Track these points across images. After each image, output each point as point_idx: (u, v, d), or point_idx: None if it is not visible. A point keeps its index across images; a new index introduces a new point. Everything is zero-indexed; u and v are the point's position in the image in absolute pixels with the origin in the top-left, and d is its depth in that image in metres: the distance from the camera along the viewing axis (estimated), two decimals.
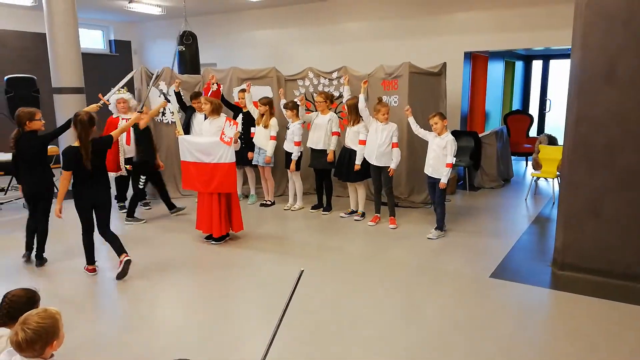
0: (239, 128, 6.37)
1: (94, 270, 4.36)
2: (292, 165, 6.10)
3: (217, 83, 6.50)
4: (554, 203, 6.64)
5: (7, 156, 6.73)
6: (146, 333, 3.33)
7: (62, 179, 4.05)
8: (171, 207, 6.16)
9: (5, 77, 7.49)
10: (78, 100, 7.23)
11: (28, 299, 2.46)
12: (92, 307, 3.77)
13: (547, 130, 10.48)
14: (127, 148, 6.10)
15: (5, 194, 7.02)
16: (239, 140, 5.06)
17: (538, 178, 7.35)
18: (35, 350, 2.07)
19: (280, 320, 2.13)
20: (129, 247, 4.37)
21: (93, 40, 11.31)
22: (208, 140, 4.98)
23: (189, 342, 3.17)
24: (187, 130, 6.19)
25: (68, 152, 4.02)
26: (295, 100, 6.33)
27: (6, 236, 5.47)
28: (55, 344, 2.16)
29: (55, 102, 7.18)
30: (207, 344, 3.16)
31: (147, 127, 5.83)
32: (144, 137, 5.86)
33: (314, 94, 6.93)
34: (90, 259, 4.36)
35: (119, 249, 4.25)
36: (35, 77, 7.71)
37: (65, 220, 4.32)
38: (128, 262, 4.18)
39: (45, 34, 7.10)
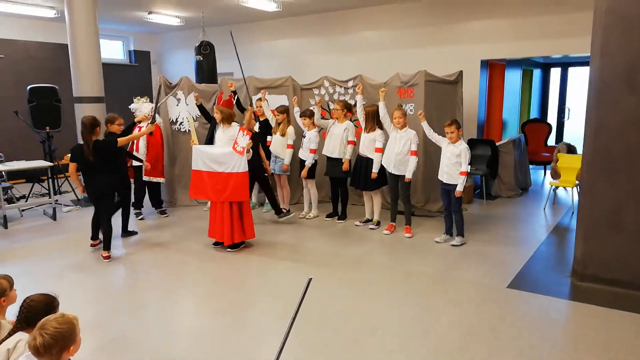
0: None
1: (108, 257, 4.95)
2: (305, 171, 6.11)
3: (230, 94, 6.54)
4: (573, 212, 6.52)
5: (29, 164, 6.87)
6: (161, 339, 3.35)
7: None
8: (279, 212, 6.13)
9: (28, 87, 7.69)
10: (98, 109, 7.37)
11: (46, 304, 2.49)
12: (109, 312, 3.81)
13: (566, 139, 10.33)
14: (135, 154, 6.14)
15: (26, 201, 7.16)
16: (251, 150, 5.08)
17: (557, 187, 7.24)
18: (52, 355, 2.10)
19: (290, 327, 2.11)
20: (145, 252, 4.42)
21: (113, 50, 11.54)
22: (221, 151, 5.03)
23: (203, 349, 3.18)
24: (211, 139, 6.20)
25: (74, 148, 4.88)
26: (311, 107, 6.36)
27: (28, 243, 5.57)
28: (72, 349, 2.19)
29: (77, 111, 7.33)
30: (221, 351, 3.17)
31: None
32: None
33: (330, 103, 6.96)
34: (107, 244, 4.98)
35: (107, 243, 4.94)
36: (57, 87, 7.89)
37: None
38: (106, 258, 4.90)
39: (67, 44, 7.28)
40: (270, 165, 6.43)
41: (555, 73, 11.43)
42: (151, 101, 6.49)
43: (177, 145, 7.10)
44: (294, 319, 2.12)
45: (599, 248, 4.11)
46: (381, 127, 5.67)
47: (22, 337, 2.44)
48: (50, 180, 6.99)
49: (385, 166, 5.63)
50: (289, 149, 6.24)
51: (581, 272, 4.20)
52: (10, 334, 2.50)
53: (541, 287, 4.14)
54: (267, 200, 6.90)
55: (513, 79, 9.51)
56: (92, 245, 5.27)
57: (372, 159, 5.62)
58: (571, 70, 11.18)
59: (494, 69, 8.65)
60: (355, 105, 6.03)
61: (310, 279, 2.16)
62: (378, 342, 3.25)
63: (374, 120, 5.65)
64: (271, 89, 6.96)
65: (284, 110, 6.22)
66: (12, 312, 2.84)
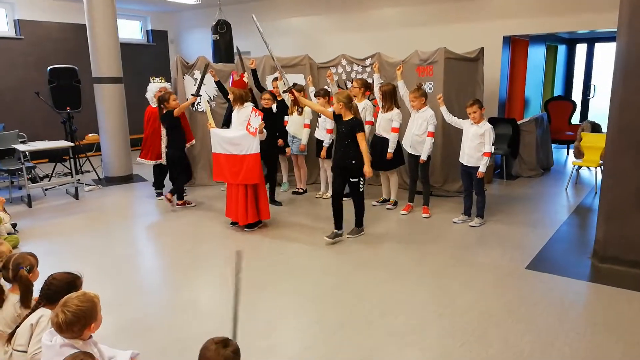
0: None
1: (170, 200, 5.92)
2: (323, 152, 6.08)
3: (241, 73, 6.47)
4: (596, 193, 6.38)
5: (51, 144, 7.00)
6: (181, 319, 3.42)
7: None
8: (272, 200, 6.09)
9: (48, 68, 7.77)
10: (117, 90, 7.45)
11: (68, 282, 2.56)
12: (129, 291, 3.89)
13: (590, 117, 10.05)
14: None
15: (49, 180, 7.32)
16: (264, 130, 5.06)
17: (580, 167, 7.08)
18: (74, 332, 2.17)
19: (236, 300, 2.25)
20: (163, 232, 4.49)
21: (131, 30, 11.55)
22: (236, 133, 5.04)
23: (220, 329, 3.24)
24: (229, 119, 6.20)
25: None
26: (326, 86, 6.29)
27: (52, 221, 5.71)
28: (93, 327, 2.25)
29: (96, 92, 7.41)
30: (239, 331, 3.21)
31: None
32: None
33: (347, 81, 6.88)
34: (179, 195, 6.07)
35: (172, 190, 5.96)
36: (76, 68, 7.96)
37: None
38: (168, 199, 5.92)
39: (85, 25, 7.31)
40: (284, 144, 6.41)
41: (580, 49, 11.07)
42: (167, 81, 6.49)
43: (194, 126, 7.13)
44: (236, 291, 2.25)
45: (621, 229, 4.02)
46: (398, 106, 5.59)
47: (44, 312, 2.52)
48: (71, 160, 7.11)
49: (403, 146, 5.57)
50: (306, 129, 6.22)
51: (602, 253, 4.12)
52: (33, 310, 2.59)
53: (561, 269, 4.08)
54: (284, 180, 6.93)
55: (536, 55, 9.25)
56: (169, 200, 5.97)
57: (388, 139, 5.55)
58: (597, 46, 10.81)
59: (516, 45, 8.41)
60: (372, 84, 5.94)
61: (238, 251, 2.27)
62: (392, 323, 3.26)
63: (391, 99, 5.56)
64: (288, 67, 6.90)
65: (300, 89, 6.08)
66: (36, 288, 2.93)
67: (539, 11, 7.33)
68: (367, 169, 4.64)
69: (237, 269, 2.27)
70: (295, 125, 6.27)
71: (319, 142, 6.16)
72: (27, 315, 2.57)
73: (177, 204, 6.08)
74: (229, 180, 5.13)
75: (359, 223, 5.00)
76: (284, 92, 5.65)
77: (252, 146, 4.89)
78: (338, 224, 4.85)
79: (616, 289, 3.69)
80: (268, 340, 3.07)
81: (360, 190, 4.84)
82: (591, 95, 10.82)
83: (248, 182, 4.96)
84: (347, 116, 4.65)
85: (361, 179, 4.78)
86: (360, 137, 4.59)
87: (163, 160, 6.34)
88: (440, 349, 2.95)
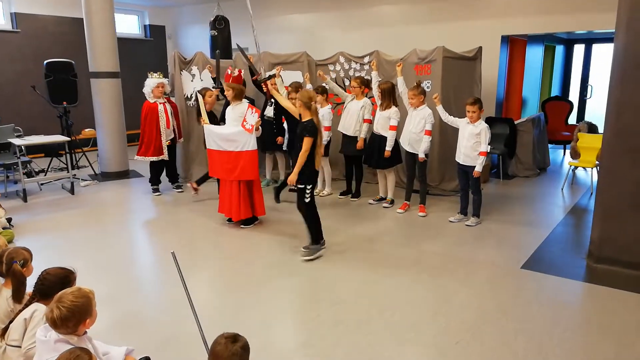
0: (271, 113, 6.40)
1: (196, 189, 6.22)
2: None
3: (238, 68, 6.44)
4: (591, 193, 6.41)
5: (47, 138, 6.97)
6: (174, 315, 3.41)
7: None
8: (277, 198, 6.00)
9: (45, 62, 7.73)
10: (114, 85, 7.41)
11: (62, 278, 2.55)
12: (123, 286, 3.88)
13: (587, 118, 10.08)
14: (167, 132, 6.24)
15: (45, 175, 7.29)
16: (260, 127, 5.04)
17: (576, 167, 7.10)
18: (68, 327, 2.16)
19: (189, 298, 2.37)
20: (159, 227, 4.48)
21: (128, 25, 11.50)
22: (231, 130, 5.02)
23: (215, 325, 3.23)
24: (224, 115, 6.20)
25: None
26: (324, 84, 6.27)
27: (47, 216, 5.69)
28: (88, 322, 2.24)
29: (92, 86, 7.38)
30: (233, 328, 3.21)
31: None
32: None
33: (345, 79, 6.87)
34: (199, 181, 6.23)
35: (199, 180, 6.23)
36: (73, 62, 7.92)
37: None
38: (195, 189, 6.18)
39: (82, 19, 7.27)
40: (284, 142, 6.40)
41: (578, 49, 11.09)
42: (165, 76, 6.46)
43: (192, 122, 7.10)
44: (186, 290, 2.41)
45: (616, 230, 4.03)
46: (396, 104, 5.58)
47: (37, 307, 2.51)
48: (67, 154, 7.08)
49: (401, 143, 5.57)
50: None
51: (597, 254, 4.14)
52: (27, 305, 2.58)
53: (556, 269, 4.10)
54: (281, 177, 6.91)
55: (534, 55, 9.26)
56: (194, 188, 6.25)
57: (386, 137, 5.55)
58: (595, 47, 10.83)
59: (514, 44, 8.42)
60: (371, 82, 5.93)
61: (173, 252, 2.37)
62: (388, 321, 3.27)
63: (389, 97, 5.55)
64: (286, 64, 6.88)
65: (297, 86, 6.07)
66: (30, 283, 2.92)
67: (538, 11, 7.34)
68: (291, 178, 4.22)
69: (178, 269, 2.42)
70: None
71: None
72: (21, 310, 2.56)
73: (194, 188, 6.24)
74: (222, 177, 5.12)
75: (314, 239, 4.42)
76: (260, 81, 5.55)
77: (249, 143, 4.87)
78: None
79: (611, 290, 3.71)
80: (264, 337, 3.07)
81: (307, 200, 4.31)
82: (588, 95, 10.84)
83: (243, 179, 4.95)
84: (305, 117, 4.22)
85: (308, 186, 4.27)
86: (305, 142, 4.11)
87: (165, 156, 6.30)
88: (436, 347, 2.96)
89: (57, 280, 2.52)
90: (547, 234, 4.93)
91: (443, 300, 3.56)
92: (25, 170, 6.90)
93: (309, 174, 4.24)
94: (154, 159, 6.31)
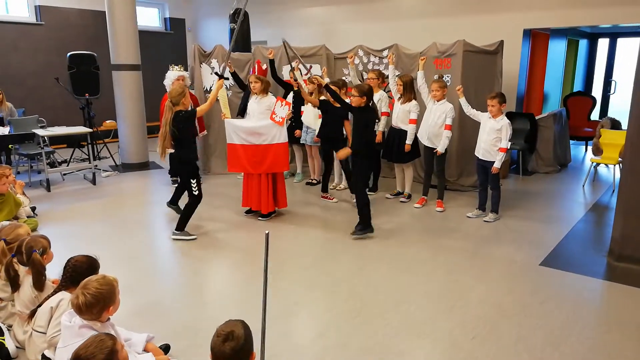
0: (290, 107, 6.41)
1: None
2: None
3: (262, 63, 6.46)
4: (613, 191, 6.29)
5: (70, 129, 7.10)
6: (193, 305, 3.48)
7: None
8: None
9: (68, 54, 7.86)
10: (135, 77, 7.51)
11: (89, 265, 2.62)
12: (143, 276, 3.96)
13: (610, 114, 9.89)
14: None
15: (67, 166, 7.43)
16: (289, 120, 5.06)
17: (598, 164, 6.98)
18: (93, 313, 2.22)
19: (265, 287, 2.30)
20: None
21: (149, 17, 11.61)
22: (260, 123, 5.03)
23: (229, 315, 3.28)
24: (244, 109, 6.23)
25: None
26: (343, 77, 6.26)
27: (70, 206, 5.81)
28: (112, 309, 2.30)
29: (114, 78, 7.48)
30: (250, 318, 3.26)
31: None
32: None
33: (364, 73, 6.85)
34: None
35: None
36: (95, 54, 8.04)
37: None
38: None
39: (104, 11, 7.36)
40: (302, 135, 6.43)
41: (602, 44, 10.85)
42: (186, 69, 6.51)
43: (210, 115, 7.16)
44: (265, 276, 2.30)
45: (639, 228, 3.96)
46: (416, 97, 5.55)
47: (64, 296, 2.58)
48: (89, 145, 7.21)
49: (419, 138, 5.54)
50: (321, 120, 6.19)
51: (618, 252, 4.08)
52: (53, 293, 2.65)
53: (575, 266, 4.05)
54: (298, 170, 6.94)
55: (557, 49, 9.10)
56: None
57: (406, 131, 5.53)
58: (620, 41, 10.59)
59: (537, 38, 8.28)
60: (388, 76, 5.90)
61: (268, 233, 2.27)
62: (404, 315, 3.28)
63: (410, 90, 5.52)
64: (304, 57, 6.88)
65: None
66: (52, 271, 3.00)
67: (561, 4, 7.20)
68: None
69: (266, 252, 2.32)
70: (310, 115, 6.26)
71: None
72: (48, 297, 2.63)
73: None
74: (248, 171, 5.12)
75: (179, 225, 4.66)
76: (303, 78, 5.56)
77: (280, 135, 4.91)
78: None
79: (632, 288, 3.65)
80: (280, 328, 3.11)
81: (194, 192, 4.61)
82: (612, 91, 10.62)
83: (275, 171, 5.00)
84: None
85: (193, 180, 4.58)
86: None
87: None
88: (452, 341, 2.96)
89: (86, 267, 2.59)
90: (567, 231, 4.87)
91: (459, 296, 3.55)
92: (49, 160, 7.04)
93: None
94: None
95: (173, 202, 5.29)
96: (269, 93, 5.46)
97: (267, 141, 4.92)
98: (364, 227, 4.68)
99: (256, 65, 6.08)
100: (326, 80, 6.23)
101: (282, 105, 4.91)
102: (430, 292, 3.61)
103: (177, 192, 5.27)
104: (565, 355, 2.82)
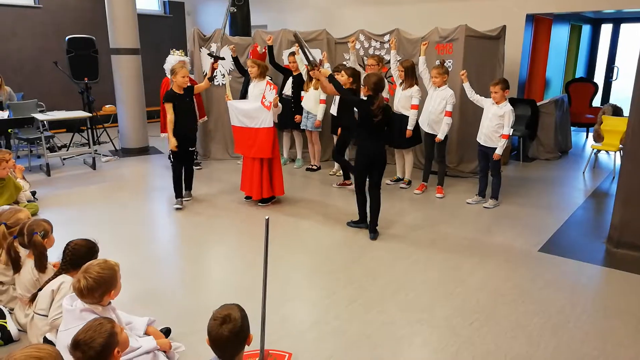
0: (289, 92, 6.39)
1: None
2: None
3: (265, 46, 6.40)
4: (614, 177, 6.29)
5: (70, 114, 7.07)
6: (192, 291, 3.50)
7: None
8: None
9: (67, 37, 7.79)
10: (134, 61, 7.45)
11: (88, 248, 2.63)
12: (143, 262, 3.98)
13: (612, 100, 9.83)
14: None
15: (67, 150, 7.42)
16: (279, 104, 5.02)
17: (599, 151, 6.96)
18: (94, 297, 2.23)
19: (265, 273, 2.34)
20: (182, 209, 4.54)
21: (148, 1, 11.47)
22: (252, 106, 5.03)
23: (233, 300, 3.30)
24: (245, 94, 6.21)
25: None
26: (344, 62, 6.21)
27: (70, 190, 5.81)
28: (113, 293, 2.31)
29: (113, 63, 7.43)
30: (249, 303, 3.28)
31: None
32: None
33: (365, 57, 6.79)
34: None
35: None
36: (94, 38, 7.97)
37: None
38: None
39: None
40: (302, 121, 6.40)
41: (606, 29, 10.75)
42: (185, 54, 6.46)
43: (211, 99, 7.13)
44: (265, 262, 2.34)
45: (638, 214, 3.97)
46: (417, 83, 5.51)
47: (64, 279, 2.60)
48: (89, 130, 7.19)
49: (420, 124, 5.51)
50: (322, 105, 6.18)
51: (617, 238, 4.09)
52: (54, 276, 2.66)
53: (574, 252, 4.07)
54: (298, 156, 6.93)
55: (560, 35, 9.01)
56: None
57: (407, 117, 5.50)
58: (623, 27, 10.48)
59: (539, 24, 8.20)
60: (389, 61, 5.85)
61: (268, 219, 2.32)
62: (402, 301, 3.30)
63: (412, 76, 5.47)
64: (305, 42, 6.81)
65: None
66: (52, 256, 3.01)
67: None
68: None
69: (266, 237, 2.37)
70: (311, 101, 6.23)
71: (334, 119, 6.13)
72: (49, 281, 2.65)
73: None
74: (244, 153, 5.14)
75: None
76: (311, 69, 5.44)
77: (266, 120, 4.86)
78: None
79: (630, 275, 3.67)
80: (279, 313, 3.13)
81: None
82: (614, 77, 10.55)
83: (260, 156, 4.97)
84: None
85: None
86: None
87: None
88: (450, 327, 2.98)
89: (85, 250, 2.60)
90: (566, 218, 4.88)
91: (458, 282, 3.57)
92: (48, 145, 7.03)
93: None
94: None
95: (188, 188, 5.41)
96: (267, 77, 5.42)
97: (256, 125, 4.89)
98: (359, 222, 4.63)
99: (252, 49, 6.02)
100: (326, 65, 6.18)
101: (270, 89, 4.86)
102: (429, 279, 3.63)
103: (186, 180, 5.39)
104: (563, 341, 2.84)
